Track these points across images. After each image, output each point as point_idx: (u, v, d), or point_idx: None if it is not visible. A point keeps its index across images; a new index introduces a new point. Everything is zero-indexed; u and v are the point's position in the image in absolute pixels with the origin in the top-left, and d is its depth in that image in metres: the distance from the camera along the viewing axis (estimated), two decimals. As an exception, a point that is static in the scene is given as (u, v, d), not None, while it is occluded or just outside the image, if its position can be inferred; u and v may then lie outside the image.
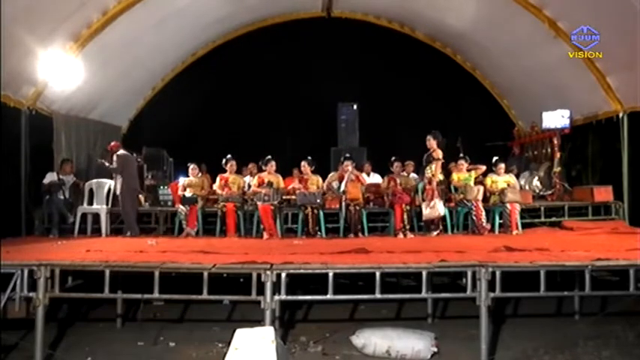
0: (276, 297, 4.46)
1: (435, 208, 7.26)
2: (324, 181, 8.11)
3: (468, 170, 7.97)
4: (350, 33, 11.21)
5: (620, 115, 8.71)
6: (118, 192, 7.51)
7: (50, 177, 7.73)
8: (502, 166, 8.05)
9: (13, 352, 4.90)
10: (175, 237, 7.51)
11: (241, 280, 4.91)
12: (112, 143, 7.85)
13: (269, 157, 7.92)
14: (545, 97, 9.93)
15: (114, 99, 10.07)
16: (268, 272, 4.43)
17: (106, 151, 9.10)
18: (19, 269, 4.49)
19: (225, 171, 7.92)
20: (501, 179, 7.91)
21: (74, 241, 6.71)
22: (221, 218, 7.61)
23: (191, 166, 8.00)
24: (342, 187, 7.82)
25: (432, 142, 7.44)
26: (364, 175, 8.75)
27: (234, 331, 3.86)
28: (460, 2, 9.65)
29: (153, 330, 5.66)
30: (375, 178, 8.90)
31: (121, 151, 7.64)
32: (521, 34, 9.23)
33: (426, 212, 7.32)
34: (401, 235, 7.33)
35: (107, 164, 7.68)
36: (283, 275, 4.48)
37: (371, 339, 5.03)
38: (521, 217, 7.74)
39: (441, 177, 7.52)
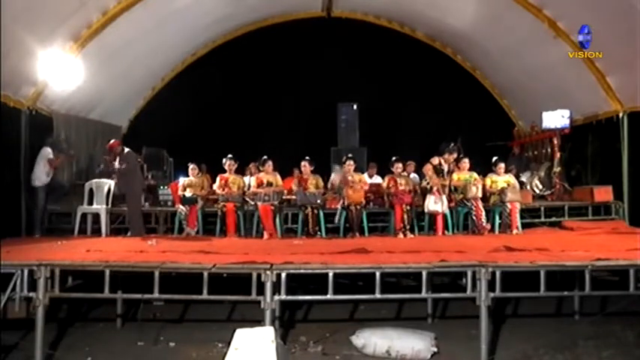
0: (276, 297, 4.46)
1: (441, 204, 7.42)
2: (323, 181, 8.11)
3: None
4: (350, 33, 11.22)
5: (620, 115, 8.71)
6: (122, 191, 7.48)
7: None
8: (502, 166, 8.03)
9: (13, 352, 4.89)
10: (175, 237, 7.50)
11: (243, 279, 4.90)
12: (112, 141, 7.76)
13: (265, 157, 7.93)
14: (545, 97, 9.93)
15: (114, 99, 10.07)
16: (268, 272, 4.43)
17: (108, 152, 9.17)
18: (19, 269, 4.49)
19: (225, 171, 7.92)
20: (501, 179, 7.90)
21: (74, 241, 6.69)
22: (221, 218, 7.60)
23: (191, 166, 7.98)
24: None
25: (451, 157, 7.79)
26: (367, 177, 8.75)
27: (234, 331, 3.86)
28: (460, 2, 9.65)
29: (153, 330, 5.66)
30: (376, 179, 8.89)
31: (127, 149, 7.57)
32: (521, 34, 9.23)
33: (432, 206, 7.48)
34: (401, 235, 7.33)
35: (117, 166, 7.52)
36: (283, 275, 4.48)
37: (371, 339, 5.03)
38: (521, 217, 7.74)
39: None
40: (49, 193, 7.66)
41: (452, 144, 7.91)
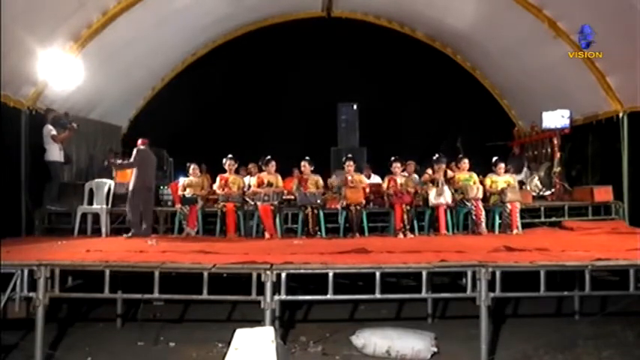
0: (276, 297, 4.46)
1: (443, 195, 7.47)
2: (324, 181, 8.11)
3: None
4: (350, 33, 11.22)
5: (620, 115, 8.71)
6: (130, 188, 7.45)
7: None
8: (502, 166, 8.03)
9: (13, 352, 4.90)
10: (175, 237, 7.50)
11: (243, 279, 4.90)
12: (140, 140, 7.60)
13: (269, 157, 7.92)
14: (545, 97, 9.92)
15: (114, 99, 10.08)
16: (268, 272, 4.43)
17: (111, 151, 9.26)
18: (19, 269, 4.49)
19: (225, 171, 7.92)
20: (501, 179, 7.90)
21: (74, 241, 6.69)
22: (221, 218, 7.60)
23: (191, 166, 7.96)
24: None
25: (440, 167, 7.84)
26: (364, 177, 8.75)
27: (234, 331, 3.86)
28: (460, 2, 9.65)
29: (153, 330, 5.67)
30: (375, 179, 8.89)
31: (142, 147, 7.47)
32: (521, 34, 9.23)
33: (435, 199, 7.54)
34: (401, 235, 7.33)
35: (119, 161, 7.84)
36: (283, 275, 4.48)
37: (371, 339, 5.03)
38: (521, 217, 7.73)
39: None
40: (64, 164, 8.29)
41: (437, 155, 7.99)
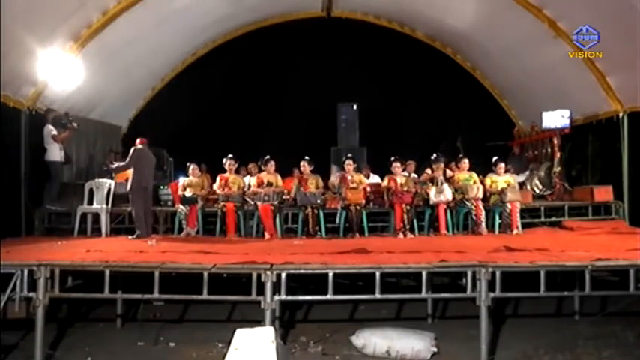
0: (276, 297, 4.47)
1: (443, 193, 7.46)
2: (323, 181, 8.12)
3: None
4: (350, 33, 11.22)
5: (620, 115, 8.70)
6: (128, 189, 7.42)
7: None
8: (502, 166, 8.04)
9: (13, 352, 4.90)
10: (175, 237, 7.49)
11: (243, 279, 4.90)
12: (139, 140, 7.53)
13: (267, 157, 7.92)
14: (545, 97, 9.92)
15: (114, 99, 10.08)
16: (268, 272, 4.44)
17: (111, 152, 9.21)
18: (19, 269, 4.50)
19: (225, 171, 7.92)
20: (501, 179, 7.90)
21: (74, 241, 6.69)
22: (221, 218, 7.60)
23: (191, 166, 7.95)
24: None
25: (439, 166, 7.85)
26: (363, 177, 8.75)
27: (234, 331, 3.86)
28: (460, 2, 9.65)
29: (153, 330, 5.67)
30: (375, 179, 8.89)
31: (139, 146, 7.39)
32: (521, 34, 9.23)
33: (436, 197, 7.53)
34: (401, 235, 7.33)
35: (115, 165, 7.83)
36: (283, 275, 4.49)
37: (371, 339, 5.04)
38: (521, 217, 7.73)
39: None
40: (64, 164, 8.30)
41: (435, 155, 8.02)
